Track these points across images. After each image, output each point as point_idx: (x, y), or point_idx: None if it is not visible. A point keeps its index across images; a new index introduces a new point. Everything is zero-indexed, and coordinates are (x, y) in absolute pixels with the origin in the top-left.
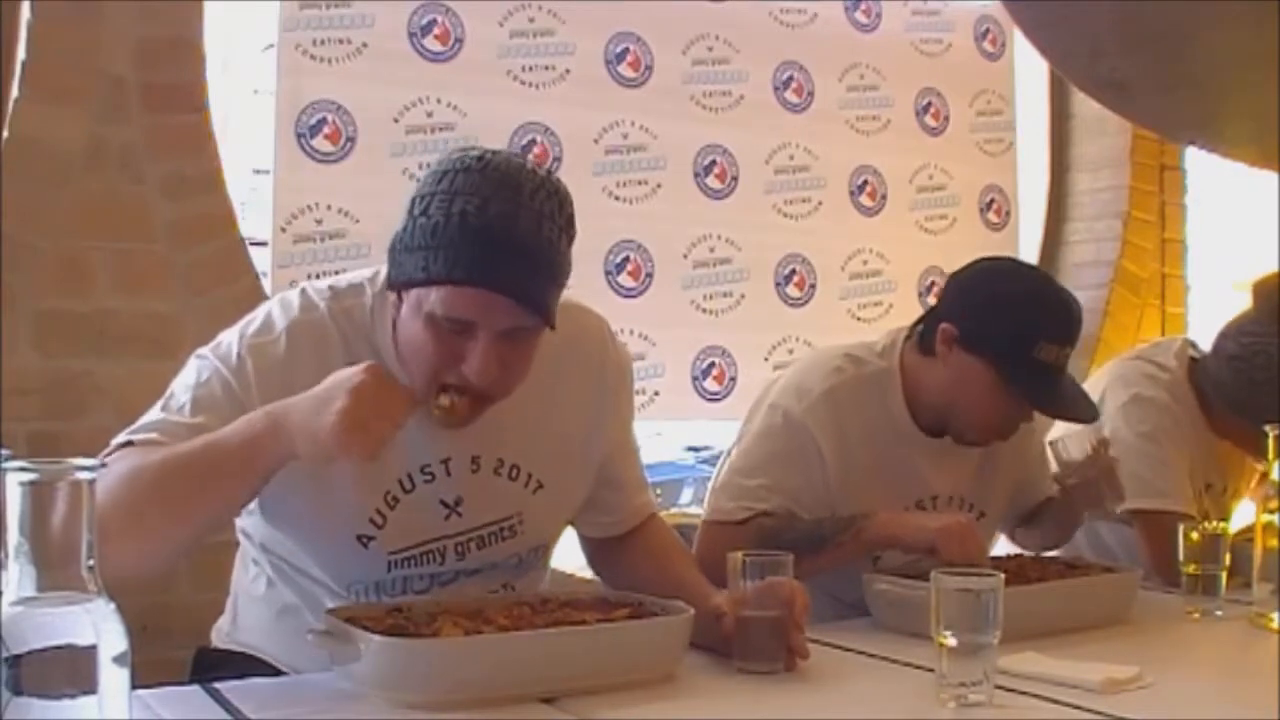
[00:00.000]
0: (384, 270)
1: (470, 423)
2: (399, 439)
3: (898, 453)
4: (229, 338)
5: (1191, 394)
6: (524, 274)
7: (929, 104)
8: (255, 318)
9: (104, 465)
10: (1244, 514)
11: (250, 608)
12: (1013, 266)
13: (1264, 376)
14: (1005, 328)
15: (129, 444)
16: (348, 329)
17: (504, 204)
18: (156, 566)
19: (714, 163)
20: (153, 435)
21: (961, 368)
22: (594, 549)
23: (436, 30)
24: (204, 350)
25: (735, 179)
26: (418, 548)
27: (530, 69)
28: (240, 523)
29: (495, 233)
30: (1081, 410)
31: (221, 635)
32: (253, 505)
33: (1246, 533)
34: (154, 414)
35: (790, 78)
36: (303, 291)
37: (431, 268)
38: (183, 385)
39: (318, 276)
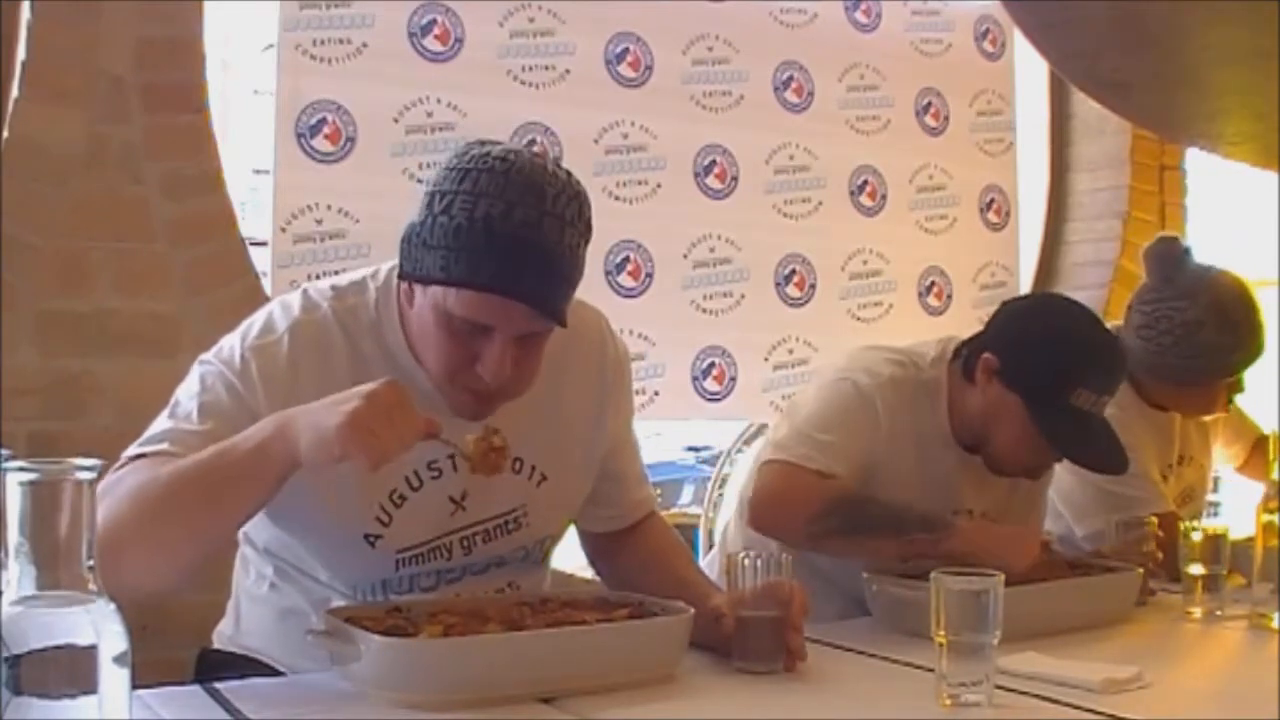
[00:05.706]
0: (384, 267)
1: (484, 416)
2: None
3: (938, 460)
4: (230, 341)
5: (1125, 381)
6: (544, 282)
7: (929, 104)
8: (256, 321)
9: (118, 470)
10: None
11: (253, 610)
12: (1065, 306)
13: (1170, 340)
14: (1044, 369)
15: (140, 456)
16: (352, 327)
17: (528, 211)
18: (169, 582)
19: (714, 163)
20: (164, 445)
21: (998, 401)
22: (594, 546)
23: (436, 30)
24: (206, 356)
25: (735, 179)
26: (425, 545)
27: (530, 69)
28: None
29: (519, 241)
30: (1110, 461)
31: (223, 639)
32: None
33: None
34: (161, 424)
35: (790, 78)
36: (304, 293)
37: (453, 269)
38: (187, 393)
39: (318, 277)
